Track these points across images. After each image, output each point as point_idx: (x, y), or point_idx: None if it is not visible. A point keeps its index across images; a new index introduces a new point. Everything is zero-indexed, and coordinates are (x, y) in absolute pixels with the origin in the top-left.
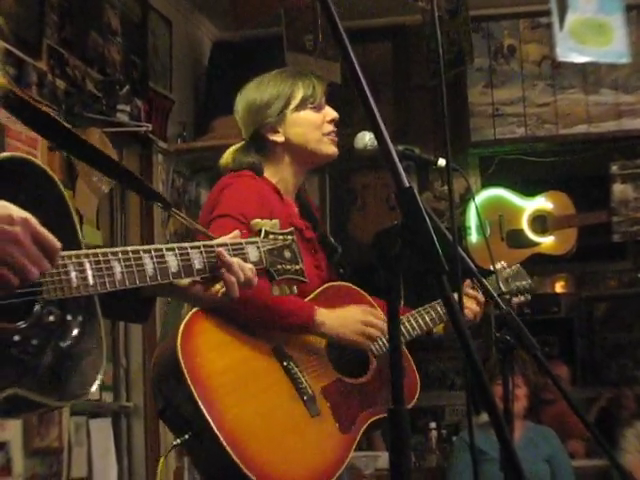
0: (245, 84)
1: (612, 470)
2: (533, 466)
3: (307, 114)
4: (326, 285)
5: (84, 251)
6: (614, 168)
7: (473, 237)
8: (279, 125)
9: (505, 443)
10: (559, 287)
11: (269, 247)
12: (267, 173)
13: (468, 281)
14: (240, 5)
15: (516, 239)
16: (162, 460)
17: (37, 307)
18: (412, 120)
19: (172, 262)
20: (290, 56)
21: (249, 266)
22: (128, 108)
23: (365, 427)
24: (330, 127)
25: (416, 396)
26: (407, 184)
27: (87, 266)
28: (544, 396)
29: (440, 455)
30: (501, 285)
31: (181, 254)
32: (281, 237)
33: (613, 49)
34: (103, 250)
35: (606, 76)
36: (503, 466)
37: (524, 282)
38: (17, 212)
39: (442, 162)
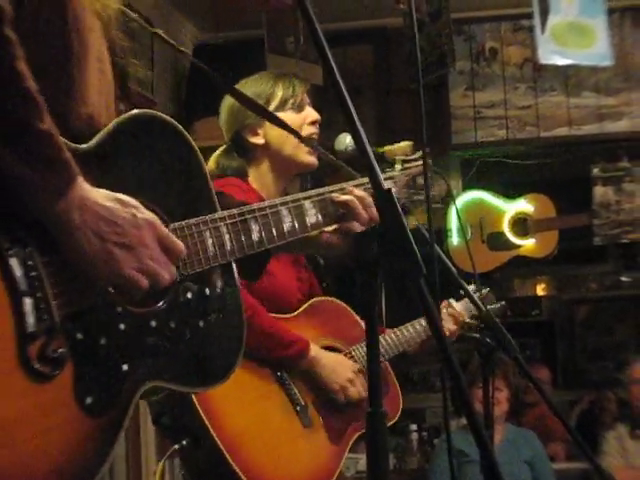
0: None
1: (593, 473)
2: (514, 468)
3: (286, 115)
4: (312, 300)
5: (219, 213)
6: (595, 171)
7: (454, 240)
8: (259, 126)
9: (482, 445)
10: (540, 290)
11: (406, 179)
12: (250, 178)
13: (445, 302)
14: (220, 6)
15: (497, 242)
16: (161, 465)
17: (173, 285)
18: (393, 123)
19: (310, 212)
20: (271, 58)
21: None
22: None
23: (354, 439)
24: (311, 129)
25: (398, 413)
26: (385, 186)
27: (224, 230)
28: (525, 399)
29: (421, 457)
30: (471, 307)
31: (319, 201)
32: (415, 163)
33: (595, 52)
34: (239, 209)
35: (588, 79)
36: (483, 468)
37: (495, 305)
38: (141, 213)
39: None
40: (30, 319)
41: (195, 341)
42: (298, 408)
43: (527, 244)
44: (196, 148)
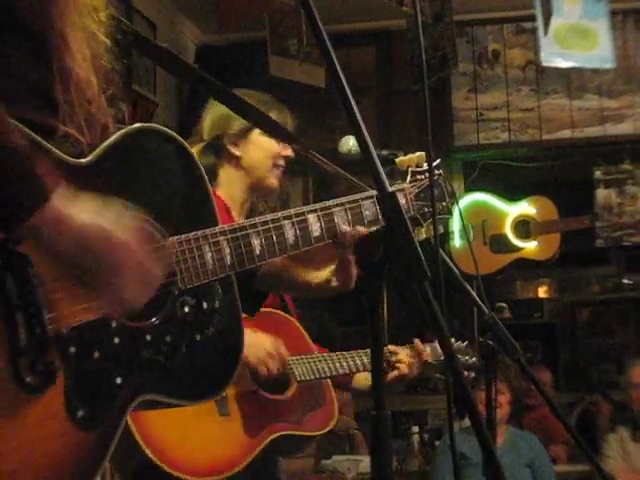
0: (229, 87)
1: (595, 475)
2: (515, 471)
3: (270, 141)
4: (269, 310)
5: (219, 227)
6: (598, 173)
7: (456, 242)
8: (240, 140)
9: (486, 448)
10: (542, 292)
11: (417, 191)
12: (219, 182)
13: (417, 341)
14: (223, 8)
15: (499, 244)
16: None
17: (170, 299)
18: (395, 124)
19: (314, 225)
20: (274, 60)
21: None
22: (112, 111)
23: (271, 439)
24: (282, 162)
25: (329, 426)
26: (389, 189)
27: (224, 244)
28: (527, 401)
29: (422, 459)
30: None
31: (324, 215)
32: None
33: (598, 54)
34: (240, 223)
35: (590, 81)
36: (485, 471)
37: (469, 358)
38: (116, 238)
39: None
40: (22, 333)
41: (191, 355)
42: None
43: (529, 246)
44: (198, 162)
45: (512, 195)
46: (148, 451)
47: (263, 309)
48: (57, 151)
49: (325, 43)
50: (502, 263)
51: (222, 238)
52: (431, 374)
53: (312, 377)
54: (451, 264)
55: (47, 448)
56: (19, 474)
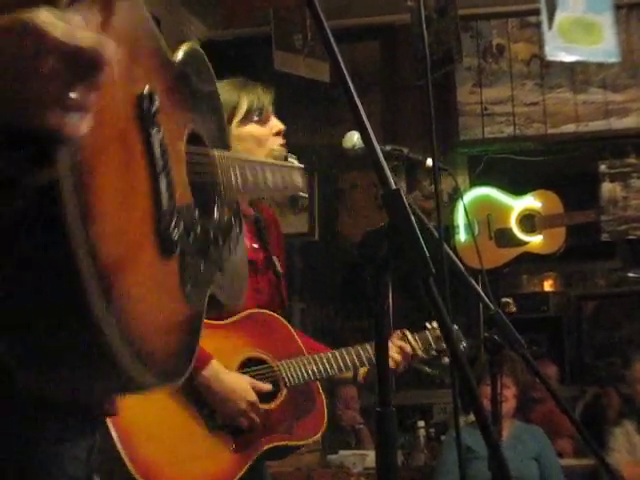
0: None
1: (600, 469)
2: (521, 464)
3: (252, 128)
4: (250, 311)
5: (238, 157)
6: (603, 167)
7: (461, 236)
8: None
9: (490, 442)
10: (548, 286)
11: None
12: None
13: (398, 332)
14: (228, 3)
15: (504, 238)
16: None
17: (217, 205)
18: (400, 119)
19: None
20: (278, 55)
21: None
22: None
23: (261, 452)
24: (277, 140)
25: (319, 432)
26: (394, 186)
27: (236, 168)
28: (533, 395)
29: (428, 454)
30: (432, 342)
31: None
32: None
33: (602, 48)
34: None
35: (595, 75)
36: (490, 465)
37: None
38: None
39: (430, 162)
40: (164, 197)
41: (229, 263)
42: (205, 412)
43: (535, 240)
44: (218, 91)
45: (517, 189)
46: (132, 469)
47: (250, 310)
48: None
49: (329, 38)
50: (507, 257)
51: (236, 164)
52: (418, 366)
53: (302, 381)
54: (456, 259)
55: (165, 315)
56: (146, 338)
